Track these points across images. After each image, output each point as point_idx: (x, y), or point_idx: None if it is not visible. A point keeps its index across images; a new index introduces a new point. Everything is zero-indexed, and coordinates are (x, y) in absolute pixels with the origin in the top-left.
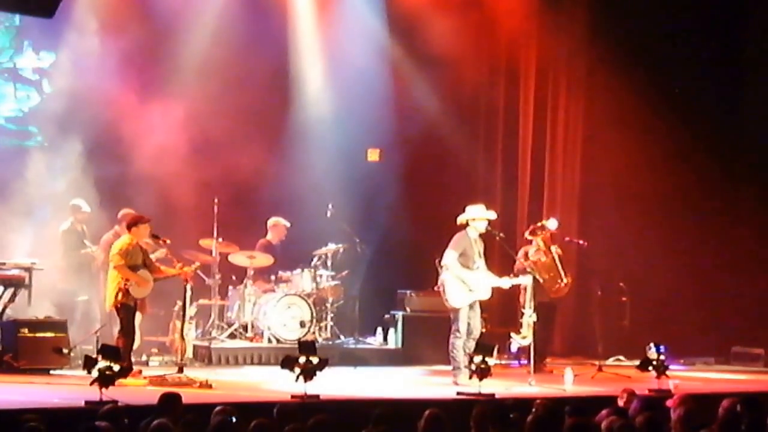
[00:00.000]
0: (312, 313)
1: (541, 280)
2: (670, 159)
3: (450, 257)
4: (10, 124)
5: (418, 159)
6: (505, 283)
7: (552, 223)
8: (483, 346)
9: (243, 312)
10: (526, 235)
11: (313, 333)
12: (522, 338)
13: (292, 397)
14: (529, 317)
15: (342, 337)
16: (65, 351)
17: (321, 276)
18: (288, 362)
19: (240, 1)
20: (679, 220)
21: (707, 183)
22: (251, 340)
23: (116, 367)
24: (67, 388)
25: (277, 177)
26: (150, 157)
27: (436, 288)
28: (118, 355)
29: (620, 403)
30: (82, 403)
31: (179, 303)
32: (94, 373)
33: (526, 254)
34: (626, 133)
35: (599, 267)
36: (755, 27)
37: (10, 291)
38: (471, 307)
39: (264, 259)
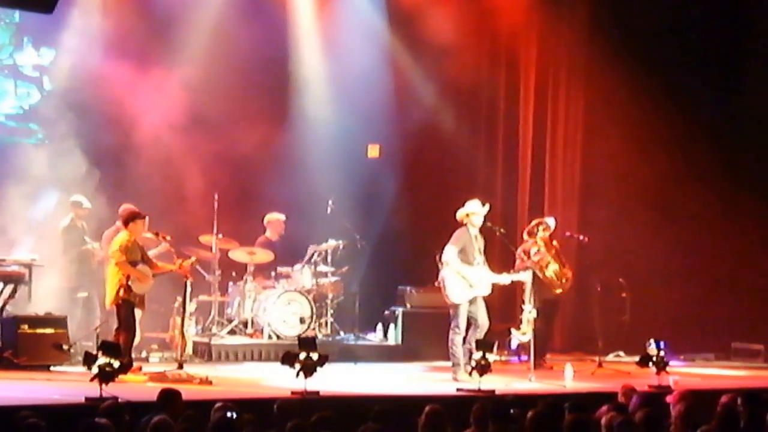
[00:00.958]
0: (312, 310)
1: (541, 276)
2: (671, 154)
3: (450, 253)
4: (11, 122)
5: (418, 155)
6: (505, 279)
7: (551, 221)
8: (483, 343)
9: (243, 308)
10: (524, 236)
11: (313, 329)
12: (522, 334)
13: (292, 393)
14: (528, 313)
15: (342, 333)
16: (65, 347)
17: (321, 272)
18: (288, 358)
19: None
20: (679, 215)
21: (708, 178)
22: (251, 336)
23: (116, 364)
24: (67, 385)
25: (277, 173)
26: (150, 153)
27: (436, 284)
28: (119, 352)
29: (620, 399)
30: (83, 400)
31: (179, 299)
32: (95, 370)
33: (526, 253)
34: (627, 127)
35: (599, 263)
36: (755, 18)
37: (10, 287)
38: (472, 302)
39: (264, 255)
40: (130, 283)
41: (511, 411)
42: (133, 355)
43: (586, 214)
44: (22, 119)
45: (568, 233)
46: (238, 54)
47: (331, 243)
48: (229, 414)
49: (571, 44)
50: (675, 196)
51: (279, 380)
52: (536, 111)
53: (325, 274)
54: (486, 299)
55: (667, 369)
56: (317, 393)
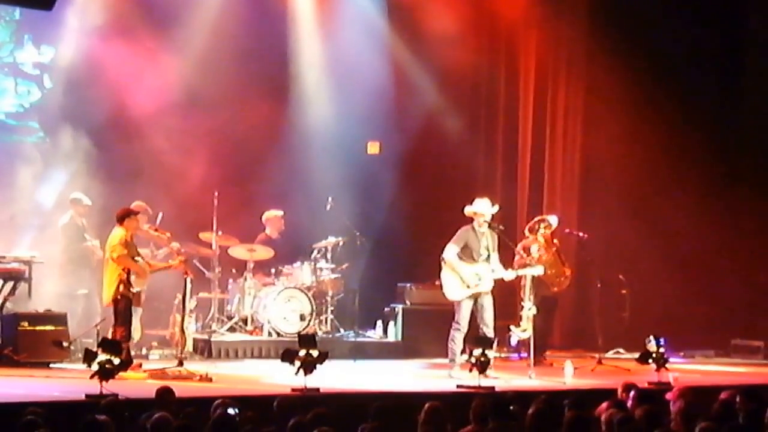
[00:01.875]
0: (312, 307)
1: (547, 277)
2: (671, 150)
3: (449, 252)
4: (11, 120)
5: (418, 152)
6: (510, 274)
7: (554, 219)
8: (482, 339)
9: (243, 305)
10: (526, 232)
11: (313, 326)
12: (522, 331)
13: (292, 390)
14: (528, 310)
15: (342, 330)
16: (65, 344)
17: (321, 269)
18: (288, 355)
19: None
20: (679, 212)
21: (707, 175)
22: (251, 333)
23: (116, 361)
24: (67, 382)
25: (277, 170)
26: (151, 151)
27: (437, 282)
28: (119, 349)
29: (620, 396)
30: (83, 397)
31: (179, 296)
32: (95, 367)
33: (526, 249)
34: (626, 123)
35: (599, 259)
36: (756, 13)
37: (10, 284)
38: (477, 300)
39: (264, 252)
40: (130, 278)
41: (511, 408)
42: (133, 352)
43: (585, 210)
44: (23, 117)
45: (567, 230)
46: (237, 50)
47: (331, 240)
48: (230, 410)
49: (570, 39)
50: (675, 193)
51: (279, 377)
52: (535, 107)
53: (325, 271)
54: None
55: (667, 366)
56: (317, 390)
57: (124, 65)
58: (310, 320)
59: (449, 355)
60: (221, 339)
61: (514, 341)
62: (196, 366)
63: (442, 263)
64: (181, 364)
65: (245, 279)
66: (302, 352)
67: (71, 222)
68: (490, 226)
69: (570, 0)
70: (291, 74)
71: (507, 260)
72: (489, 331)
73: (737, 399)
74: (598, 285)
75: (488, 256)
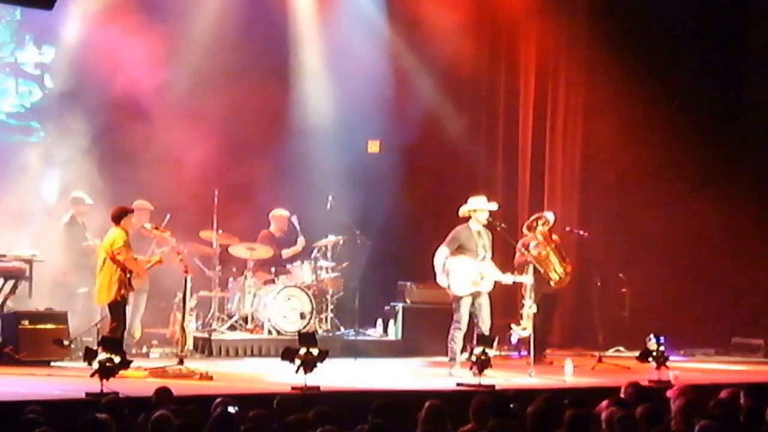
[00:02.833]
0: (312, 305)
1: (541, 270)
2: (671, 148)
3: (440, 255)
4: (12, 120)
5: (418, 150)
6: (507, 279)
7: (551, 215)
8: (483, 338)
9: (243, 304)
10: (524, 230)
11: (313, 325)
12: (522, 329)
13: (293, 388)
14: (529, 308)
15: (342, 328)
16: (66, 343)
17: (321, 268)
18: (288, 354)
19: None
20: (679, 210)
21: (708, 172)
22: (251, 331)
23: (117, 359)
24: (67, 380)
25: (277, 169)
26: (151, 149)
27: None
28: (119, 347)
29: (622, 395)
30: (83, 395)
31: (179, 295)
32: (95, 365)
33: (525, 246)
34: (627, 121)
35: (599, 257)
36: (757, 7)
37: (10, 283)
38: (475, 299)
39: (264, 251)
40: (131, 280)
41: (511, 406)
42: (133, 351)
43: (586, 209)
44: (24, 117)
45: (568, 228)
46: (237, 48)
47: (331, 239)
48: (230, 408)
49: (570, 36)
50: (675, 191)
51: (279, 375)
52: (536, 105)
53: (326, 270)
54: (490, 295)
55: (667, 364)
56: (317, 388)
57: (124, 59)
58: (310, 319)
59: (449, 353)
60: (221, 337)
61: (514, 339)
62: (196, 364)
63: (441, 266)
64: (181, 362)
65: (245, 277)
66: (302, 351)
67: (72, 221)
68: (491, 224)
69: None
70: (291, 72)
71: (508, 258)
72: (486, 329)
73: (737, 397)
74: (599, 283)
75: (484, 256)
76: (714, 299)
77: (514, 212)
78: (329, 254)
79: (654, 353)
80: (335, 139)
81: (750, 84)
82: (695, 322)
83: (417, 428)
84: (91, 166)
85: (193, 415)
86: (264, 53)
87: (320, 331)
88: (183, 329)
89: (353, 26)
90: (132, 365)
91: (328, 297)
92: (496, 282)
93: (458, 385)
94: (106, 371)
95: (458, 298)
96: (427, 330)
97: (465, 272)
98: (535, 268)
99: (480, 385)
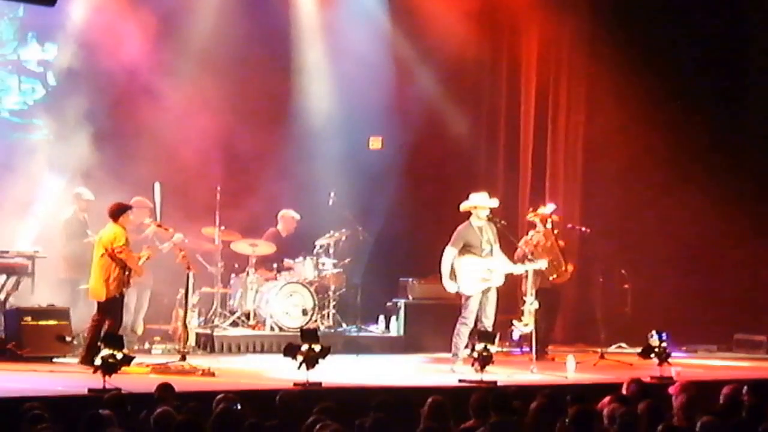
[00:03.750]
0: (314, 301)
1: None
2: (674, 144)
3: (448, 256)
4: (15, 117)
5: (420, 147)
6: (519, 269)
7: (549, 207)
8: (485, 334)
9: (245, 300)
10: (529, 216)
11: (316, 321)
12: (524, 326)
13: (295, 384)
14: (530, 305)
15: (344, 324)
16: (68, 339)
17: (323, 264)
18: (290, 350)
19: None
20: (681, 207)
21: (711, 169)
22: (253, 328)
23: (119, 355)
24: (70, 376)
25: (279, 165)
26: (154, 147)
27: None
28: (121, 344)
29: (624, 391)
30: (86, 391)
31: (182, 291)
32: (97, 361)
33: (527, 242)
34: (629, 118)
35: (601, 254)
36: (759, 6)
37: (13, 279)
38: (483, 294)
39: (266, 248)
40: (130, 277)
41: (514, 403)
42: (136, 347)
43: (588, 205)
44: (27, 115)
45: (570, 225)
46: (239, 46)
47: (333, 235)
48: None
49: (572, 31)
50: (677, 188)
51: (281, 372)
52: (537, 101)
53: (328, 266)
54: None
55: (669, 360)
56: (320, 384)
57: (127, 56)
58: (312, 315)
59: (453, 349)
60: (224, 334)
61: (516, 336)
62: (198, 361)
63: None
64: (183, 358)
65: (248, 274)
66: (304, 347)
67: (74, 217)
68: (491, 221)
69: None
70: (293, 69)
71: (509, 254)
72: (489, 323)
73: (740, 393)
74: (600, 280)
75: (491, 249)
76: (716, 295)
77: (515, 209)
78: (331, 250)
79: (656, 349)
80: (337, 136)
81: (755, 78)
82: (697, 318)
83: (419, 424)
84: (94, 162)
85: (195, 412)
86: (266, 50)
87: (322, 328)
88: (185, 325)
89: (355, 23)
90: (134, 361)
91: (330, 293)
92: (507, 274)
93: (460, 381)
94: (108, 367)
95: (468, 296)
96: (429, 326)
97: (473, 271)
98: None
99: (482, 382)
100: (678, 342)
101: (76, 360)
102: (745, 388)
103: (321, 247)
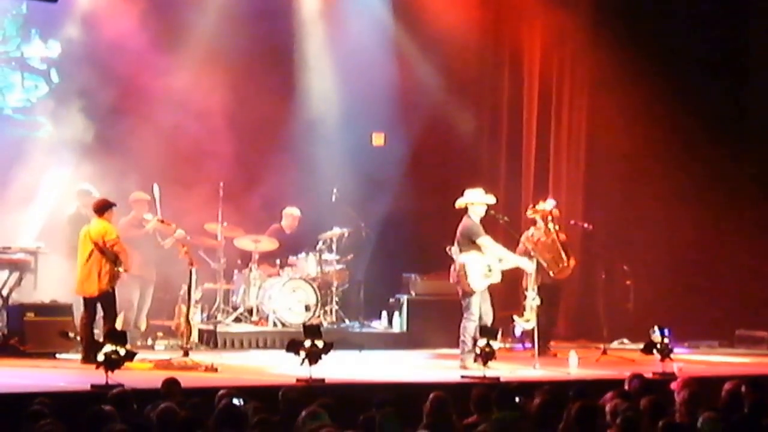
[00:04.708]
0: (317, 297)
1: (544, 264)
2: (675, 143)
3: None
4: (18, 114)
5: (422, 143)
6: (507, 265)
7: (549, 203)
8: (487, 330)
9: (248, 296)
10: (528, 213)
11: (318, 317)
12: (525, 321)
13: (298, 380)
14: (532, 300)
15: (347, 320)
16: (71, 335)
17: (326, 260)
18: (293, 346)
19: None
20: (683, 203)
21: (712, 166)
22: (256, 323)
23: (122, 351)
24: (72, 372)
25: (282, 161)
26: (157, 143)
27: (453, 269)
28: (124, 339)
29: (626, 387)
30: (89, 387)
31: (184, 287)
32: (100, 357)
33: (529, 239)
34: (631, 115)
35: (603, 250)
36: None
37: (15, 275)
38: (482, 291)
39: (269, 243)
40: (120, 269)
41: (517, 399)
42: (138, 343)
43: (590, 201)
44: (30, 112)
45: (572, 221)
46: (243, 42)
47: (336, 231)
48: (235, 401)
49: (575, 30)
50: (679, 184)
51: (284, 368)
52: (540, 98)
53: (330, 262)
54: (489, 287)
55: (671, 356)
56: (322, 380)
57: (130, 52)
58: (315, 311)
59: (461, 346)
60: (226, 329)
61: (518, 332)
62: (201, 356)
63: (461, 252)
64: (186, 354)
65: (250, 270)
66: (307, 343)
67: (77, 213)
68: (494, 217)
69: None
70: (296, 66)
71: (511, 251)
72: (489, 320)
73: (742, 389)
74: (603, 276)
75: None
76: (718, 291)
77: (517, 205)
78: (334, 247)
79: (658, 345)
80: (340, 132)
81: (756, 76)
82: (699, 314)
83: (422, 420)
84: (97, 159)
85: (198, 407)
86: (268, 46)
87: (325, 324)
88: (188, 321)
89: (358, 19)
90: (137, 357)
91: (333, 289)
92: (502, 272)
93: (463, 377)
94: (111, 363)
95: (473, 294)
96: (432, 322)
97: (478, 267)
98: (536, 259)
99: (485, 377)
100: (680, 338)
101: (78, 356)
102: (745, 385)
103: (324, 243)
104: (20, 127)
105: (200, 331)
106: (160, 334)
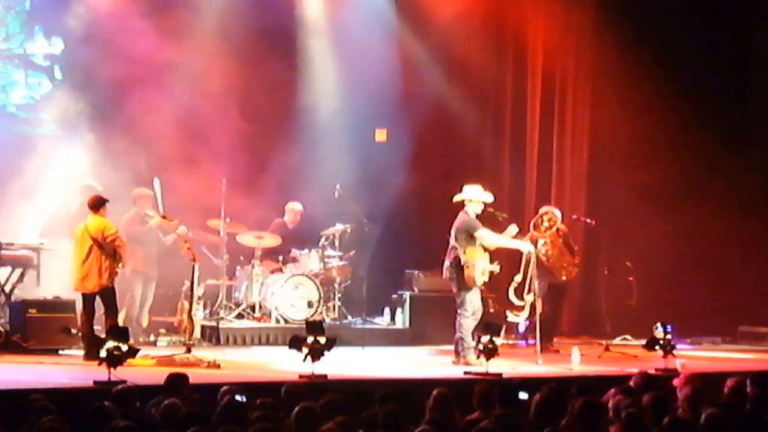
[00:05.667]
0: (319, 293)
1: (562, 275)
2: (678, 138)
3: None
4: (22, 112)
5: (425, 139)
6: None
7: (557, 212)
8: (490, 326)
9: (251, 292)
10: (531, 229)
11: (321, 313)
12: (515, 316)
13: (300, 377)
14: (527, 295)
15: (349, 317)
16: (74, 331)
17: (329, 256)
18: (296, 342)
19: None
20: (686, 199)
21: (714, 162)
22: (259, 320)
23: (124, 347)
24: (75, 368)
25: (285, 158)
26: (160, 139)
27: (463, 262)
28: (127, 336)
29: (632, 384)
30: (91, 383)
31: (187, 283)
32: (103, 353)
33: (533, 241)
34: (634, 111)
35: (606, 246)
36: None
37: (18, 271)
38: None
39: (271, 240)
40: (119, 265)
41: (521, 396)
42: (141, 339)
43: (593, 197)
44: (33, 110)
45: (575, 216)
46: (246, 40)
47: (339, 227)
48: (238, 397)
49: (578, 26)
50: (682, 180)
51: (287, 364)
52: (543, 94)
53: (333, 258)
54: (492, 284)
55: (674, 352)
56: (325, 377)
57: (133, 49)
58: (317, 307)
59: (461, 343)
60: (229, 326)
61: (521, 328)
62: (204, 353)
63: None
64: (189, 350)
65: (253, 266)
66: (310, 339)
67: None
68: (492, 215)
69: None
70: (299, 61)
71: (514, 251)
72: (479, 315)
73: (744, 385)
74: (606, 272)
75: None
76: (721, 288)
77: (521, 201)
78: (337, 243)
79: (661, 341)
80: (343, 128)
81: (758, 75)
82: (702, 310)
83: (424, 416)
84: (99, 155)
85: (200, 404)
86: (271, 42)
87: (328, 320)
88: (190, 318)
89: (361, 15)
90: (139, 354)
91: (336, 285)
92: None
93: (465, 373)
94: (113, 360)
95: (470, 289)
96: (435, 318)
97: (479, 263)
98: (539, 261)
99: (487, 374)
100: (683, 334)
101: (81, 352)
102: (748, 381)
103: (327, 239)
104: (23, 124)
105: (203, 328)
106: (162, 330)
